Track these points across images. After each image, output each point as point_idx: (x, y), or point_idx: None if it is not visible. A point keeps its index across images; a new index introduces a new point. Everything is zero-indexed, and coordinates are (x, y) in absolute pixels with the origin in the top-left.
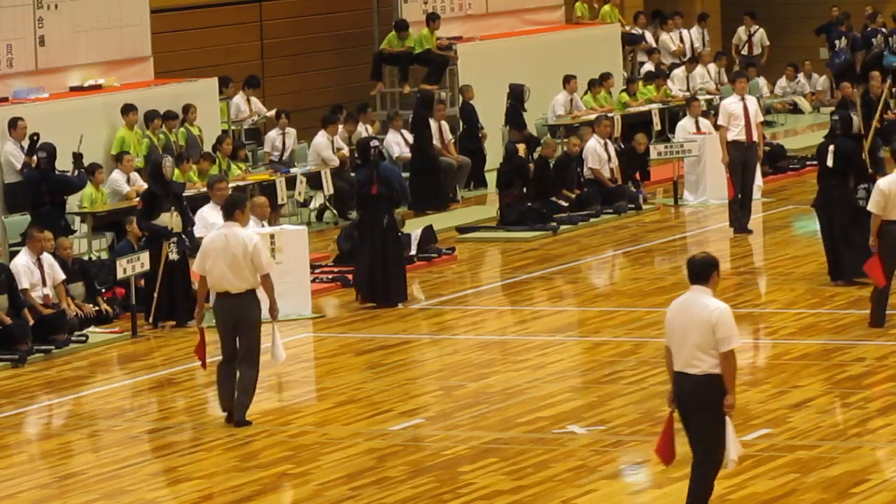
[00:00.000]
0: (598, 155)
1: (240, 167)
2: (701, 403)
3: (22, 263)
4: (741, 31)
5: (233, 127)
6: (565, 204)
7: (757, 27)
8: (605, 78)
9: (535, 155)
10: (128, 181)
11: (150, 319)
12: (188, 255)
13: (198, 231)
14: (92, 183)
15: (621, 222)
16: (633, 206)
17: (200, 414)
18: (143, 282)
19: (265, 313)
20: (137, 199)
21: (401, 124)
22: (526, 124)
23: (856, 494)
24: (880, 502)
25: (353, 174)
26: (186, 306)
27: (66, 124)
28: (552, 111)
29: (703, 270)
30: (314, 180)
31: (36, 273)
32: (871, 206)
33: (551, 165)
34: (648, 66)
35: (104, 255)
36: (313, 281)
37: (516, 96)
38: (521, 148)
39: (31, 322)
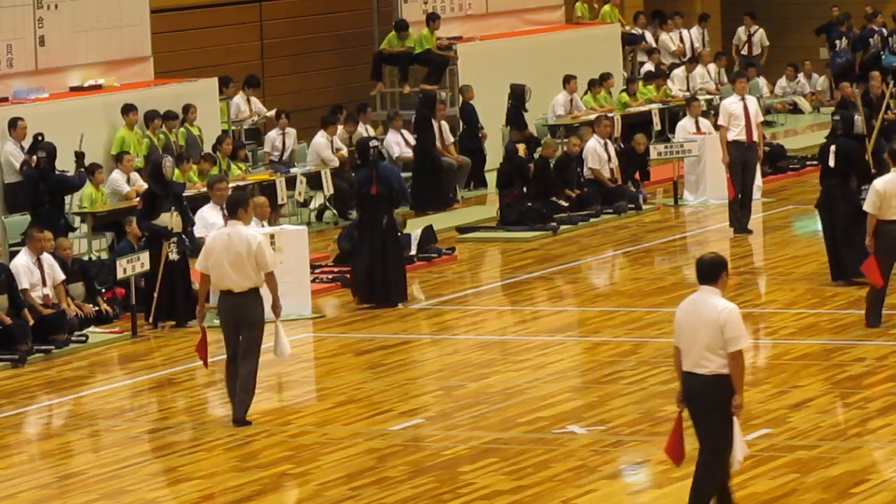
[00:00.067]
0: (598, 155)
1: (240, 167)
2: (709, 403)
3: (22, 263)
4: (741, 32)
5: (233, 127)
6: (565, 204)
7: (757, 27)
8: (605, 78)
9: (536, 155)
10: (128, 181)
11: (150, 319)
12: (188, 255)
13: (198, 231)
14: (92, 183)
15: (621, 222)
16: (633, 206)
17: (200, 414)
18: (143, 282)
19: (268, 312)
20: (137, 199)
21: (401, 124)
22: (527, 124)
23: (856, 494)
24: (880, 502)
25: (353, 174)
26: (186, 306)
27: (66, 124)
28: (552, 111)
29: (711, 270)
30: (314, 180)
31: (36, 273)
32: (867, 206)
33: (551, 165)
34: (648, 66)
35: (104, 255)
36: (313, 281)
37: (517, 96)
38: (521, 148)
39: (31, 322)
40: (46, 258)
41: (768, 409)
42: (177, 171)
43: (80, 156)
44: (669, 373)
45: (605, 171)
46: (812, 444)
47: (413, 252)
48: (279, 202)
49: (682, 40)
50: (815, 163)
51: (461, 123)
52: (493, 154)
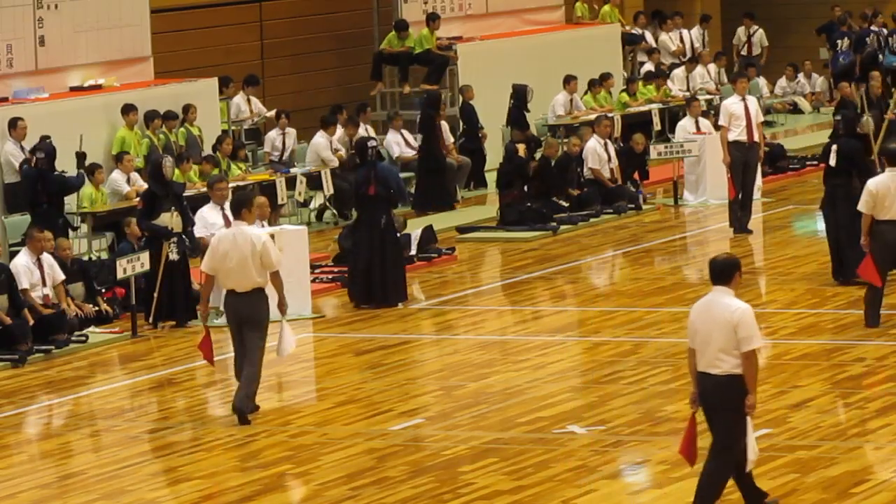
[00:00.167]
0: (598, 155)
1: (240, 167)
2: (722, 403)
3: (22, 263)
4: (741, 32)
5: (233, 127)
6: (566, 204)
7: (756, 27)
8: (605, 78)
9: (538, 155)
10: (128, 181)
11: (150, 319)
12: (188, 256)
13: (198, 231)
14: (92, 183)
15: (621, 222)
16: (633, 206)
17: (200, 414)
18: (143, 282)
19: (274, 310)
20: (137, 199)
21: (401, 124)
22: (529, 125)
23: (856, 494)
24: (880, 502)
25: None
26: (186, 306)
27: (66, 124)
28: (552, 111)
29: (725, 271)
30: (314, 180)
31: (36, 273)
32: (861, 206)
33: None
34: (648, 66)
35: (104, 255)
36: (313, 281)
37: (520, 97)
38: (521, 148)
39: (31, 322)
40: (46, 258)
41: (768, 409)
42: (177, 171)
43: (80, 156)
44: (669, 373)
45: (605, 171)
46: (812, 444)
47: (413, 252)
48: (279, 202)
49: (682, 40)
50: (815, 163)
51: (461, 123)
52: (493, 154)
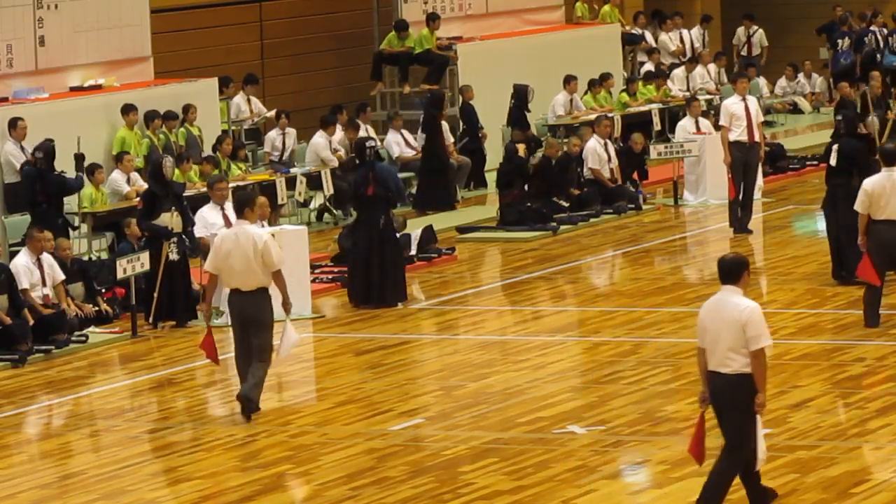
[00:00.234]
0: (598, 155)
1: (240, 167)
2: (732, 402)
3: (22, 263)
4: (740, 32)
5: (233, 127)
6: (566, 204)
7: (756, 28)
8: (605, 78)
9: (539, 155)
10: (128, 181)
11: (150, 319)
12: (188, 256)
13: (198, 231)
14: (92, 183)
15: (621, 222)
16: (633, 206)
17: (200, 414)
18: (143, 282)
19: (277, 310)
20: (137, 199)
21: (401, 124)
22: (529, 125)
23: (856, 494)
24: (880, 502)
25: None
26: (186, 306)
27: (66, 124)
28: (552, 111)
29: (733, 270)
30: (314, 180)
31: (36, 273)
32: (858, 206)
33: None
34: (648, 66)
35: (104, 256)
36: (313, 281)
37: (521, 97)
38: (521, 148)
39: (31, 322)
40: (46, 258)
41: (768, 409)
42: (177, 171)
43: (79, 158)
44: (669, 373)
45: (605, 172)
46: (812, 444)
47: (413, 252)
48: (279, 202)
49: (681, 40)
50: (815, 163)
51: (461, 123)
52: (493, 154)
